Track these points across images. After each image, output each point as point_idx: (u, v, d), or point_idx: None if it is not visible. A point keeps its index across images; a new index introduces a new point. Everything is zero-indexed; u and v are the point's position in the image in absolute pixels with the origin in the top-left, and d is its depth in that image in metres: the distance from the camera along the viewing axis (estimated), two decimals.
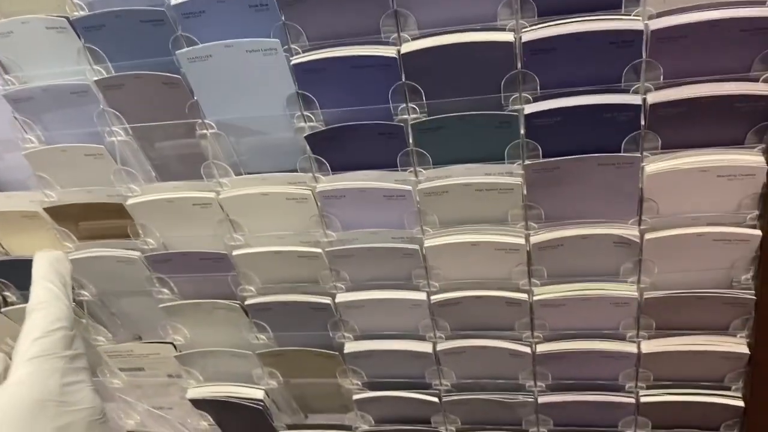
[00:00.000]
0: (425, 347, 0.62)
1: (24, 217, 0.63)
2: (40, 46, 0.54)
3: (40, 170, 0.60)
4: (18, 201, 0.63)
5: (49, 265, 0.44)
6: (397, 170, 0.55)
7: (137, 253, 0.62)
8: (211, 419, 0.72)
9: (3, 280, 0.68)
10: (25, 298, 0.68)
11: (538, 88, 0.49)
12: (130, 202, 0.59)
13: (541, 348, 0.60)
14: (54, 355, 0.38)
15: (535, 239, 0.55)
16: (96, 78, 0.54)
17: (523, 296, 0.58)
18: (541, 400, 0.63)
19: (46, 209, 0.61)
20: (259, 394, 0.68)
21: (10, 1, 0.53)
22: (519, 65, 0.48)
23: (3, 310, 0.68)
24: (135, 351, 0.70)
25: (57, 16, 0.53)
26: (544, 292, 0.57)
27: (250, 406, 0.68)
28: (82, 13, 0.52)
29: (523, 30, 0.47)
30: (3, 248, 0.67)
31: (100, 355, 0.70)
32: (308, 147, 0.55)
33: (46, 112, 0.58)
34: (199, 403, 0.70)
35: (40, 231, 0.64)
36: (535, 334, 0.60)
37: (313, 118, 0.54)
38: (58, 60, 0.55)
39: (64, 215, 0.62)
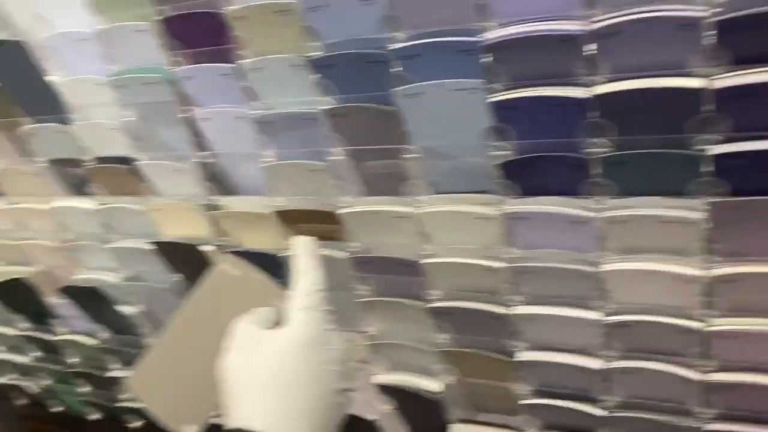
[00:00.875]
0: (596, 364, 0.66)
1: (257, 217, 0.76)
2: (283, 80, 0.66)
3: (273, 180, 0.73)
4: (253, 204, 0.76)
5: (306, 246, 0.57)
6: (581, 197, 0.59)
7: (345, 254, 0.73)
8: (393, 404, 0.81)
9: None
10: None
11: (729, 129, 0.51)
12: (342, 211, 0.70)
13: (714, 377, 0.61)
14: (318, 308, 0.51)
15: (715, 272, 0.57)
16: (324, 107, 0.65)
17: (698, 325, 0.60)
18: (708, 427, 0.64)
19: (275, 212, 0.74)
20: (437, 387, 0.76)
21: (265, 42, 0.65)
22: (709, 107, 0.51)
23: None
24: None
25: (298, 56, 0.64)
26: (721, 324, 0.59)
27: (428, 396, 0.76)
28: (318, 53, 0.63)
29: (717, 76, 0.50)
30: (237, 240, 0.81)
31: None
32: (500, 173, 0.61)
33: (281, 133, 0.70)
34: (383, 389, 0.79)
35: (267, 230, 0.77)
36: (708, 363, 0.61)
37: (507, 147, 0.61)
38: (295, 91, 0.66)
39: (288, 218, 0.75)
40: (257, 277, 0.57)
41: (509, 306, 0.68)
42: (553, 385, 0.71)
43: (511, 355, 0.71)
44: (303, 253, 0.55)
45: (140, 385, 0.57)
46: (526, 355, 0.69)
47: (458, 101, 0.59)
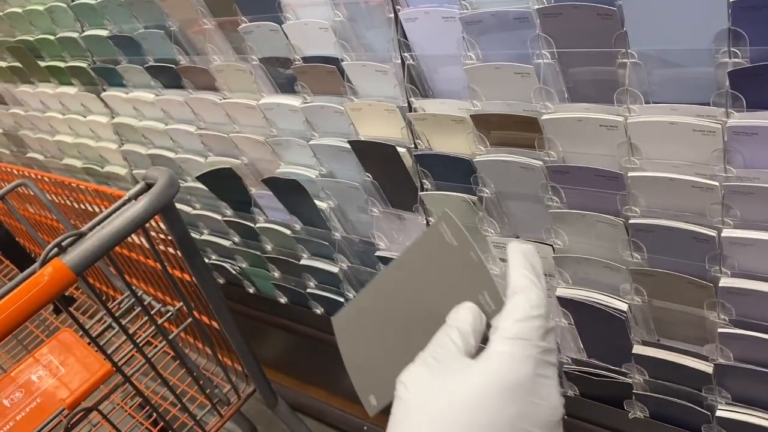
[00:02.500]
0: None
1: (452, 120, 0.77)
2: None
3: (473, 83, 0.73)
4: (449, 107, 0.77)
5: (523, 256, 0.44)
6: None
7: (539, 163, 0.72)
8: (572, 319, 0.81)
9: (424, 170, 0.85)
10: (438, 188, 0.83)
11: None
12: (544, 117, 0.68)
13: None
14: (531, 341, 0.39)
15: None
16: (538, 6, 0.63)
17: None
18: None
19: (471, 116, 0.74)
20: (622, 306, 0.75)
21: None
22: None
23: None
24: None
25: None
26: None
27: (612, 314, 0.75)
28: None
29: None
30: (429, 144, 0.83)
31: (488, 244, 0.84)
32: (728, 82, 0.57)
33: (488, 33, 0.69)
34: (565, 302, 0.79)
35: (460, 134, 0.78)
36: None
37: (739, 54, 0.55)
38: None
39: (484, 122, 0.75)
40: (472, 254, 0.46)
41: (717, 229, 0.64)
42: (757, 317, 0.66)
43: (711, 280, 0.67)
44: (520, 264, 0.43)
45: (341, 331, 0.53)
46: (730, 282, 0.65)
47: (691, 0, 0.54)
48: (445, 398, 0.38)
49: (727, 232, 0.63)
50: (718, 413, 0.73)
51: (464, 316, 0.43)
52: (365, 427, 1.43)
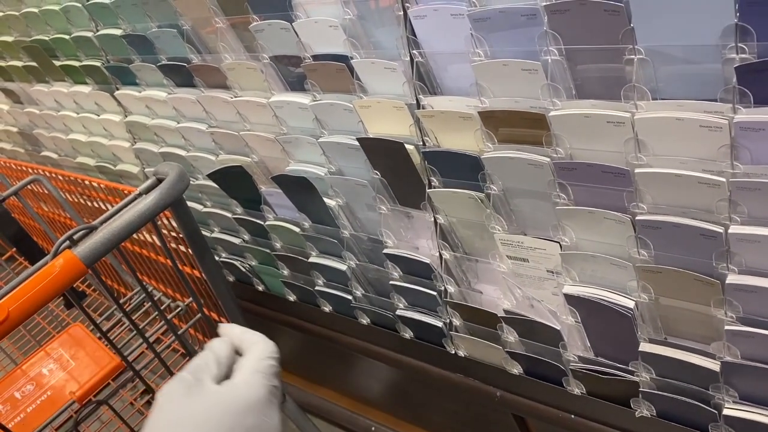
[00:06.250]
0: None
1: (460, 117, 0.78)
2: None
3: (481, 80, 0.73)
4: (457, 104, 0.78)
5: (242, 328, 0.55)
6: None
7: (547, 159, 0.72)
8: (578, 317, 0.81)
9: (431, 167, 0.85)
10: (446, 186, 0.83)
11: None
12: (552, 113, 0.69)
13: None
14: (266, 375, 0.49)
15: None
16: (545, 3, 0.63)
17: None
18: None
19: (479, 113, 0.75)
20: (629, 303, 0.75)
21: None
22: None
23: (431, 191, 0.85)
24: (524, 243, 0.82)
25: None
26: None
27: (619, 312, 0.75)
28: None
29: None
30: (437, 141, 0.83)
31: (496, 241, 0.84)
32: (735, 78, 0.57)
33: (496, 31, 0.69)
34: (571, 299, 0.79)
35: (468, 131, 0.78)
36: None
37: (746, 49, 0.55)
38: None
39: (491, 119, 0.75)
40: None
41: (724, 225, 0.64)
42: (764, 314, 0.66)
43: (719, 277, 0.67)
44: (245, 331, 0.54)
45: None
46: (738, 279, 0.65)
47: None
48: (198, 408, 0.46)
49: (734, 229, 0.63)
50: (725, 412, 0.73)
51: (220, 345, 0.52)
52: (373, 428, 1.43)
